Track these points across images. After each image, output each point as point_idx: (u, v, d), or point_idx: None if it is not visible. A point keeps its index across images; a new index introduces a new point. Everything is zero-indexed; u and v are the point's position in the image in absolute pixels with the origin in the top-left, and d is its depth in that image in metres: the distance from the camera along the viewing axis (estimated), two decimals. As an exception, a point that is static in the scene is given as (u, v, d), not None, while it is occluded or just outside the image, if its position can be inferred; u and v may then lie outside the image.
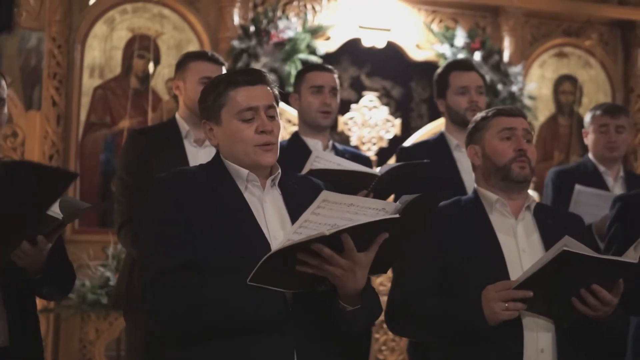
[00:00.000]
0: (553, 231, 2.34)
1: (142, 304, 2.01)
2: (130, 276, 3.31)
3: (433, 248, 2.33)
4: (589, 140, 3.87)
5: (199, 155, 3.28)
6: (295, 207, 2.07)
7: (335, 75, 3.53)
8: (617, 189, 3.73)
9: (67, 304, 4.66)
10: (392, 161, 5.31)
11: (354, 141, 5.67)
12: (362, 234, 1.83)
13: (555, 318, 2.22)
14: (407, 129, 6.05)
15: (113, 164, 5.05)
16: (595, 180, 3.74)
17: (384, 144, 5.78)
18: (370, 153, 5.56)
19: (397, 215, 1.83)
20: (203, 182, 2.08)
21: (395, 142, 5.77)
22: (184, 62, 3.34)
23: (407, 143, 5.51)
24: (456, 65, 3.70)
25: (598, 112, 3.84)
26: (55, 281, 2.38)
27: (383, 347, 5.48)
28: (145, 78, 5.17)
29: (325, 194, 1.85)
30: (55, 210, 2.19)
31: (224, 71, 3.34)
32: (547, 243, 2.30)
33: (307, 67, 3.74)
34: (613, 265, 2.14)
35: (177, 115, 3.35)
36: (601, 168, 3.78)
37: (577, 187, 3.52)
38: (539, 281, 2.11)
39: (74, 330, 4.94)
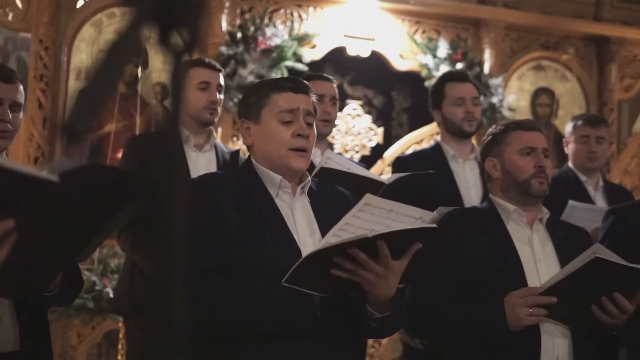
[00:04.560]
0: (565, 243, 2.42)
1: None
2: (131, 281, 3.32)
3: (452, 253, 2.37)
4: (569, 149, 3.93)
5: (198, 159, 3.32)
6: (323, 215, 2.11)
7: (335, 85, 3.58)
8: (599, 198, 3.82)
9: (53, 309, 4.60)
10: (375, 169, 5.40)
11: (337, 149, 5.71)
12: (398, 241, 1.87)
13: (573, 325, 2.29)
14: (388, 138, 6.12)
15: (98, 167, 5.01)
16: (577, 189, 3.82)
17: (367, 152, 5.83)
18: (354, 161, 5.60)
19: (435, 225, 1.88)
20: (234, 186, 2.12)
21: (377, 151, 5.84)
22: None
23: (391, 152, 5.59)
24: (452, 77, 3.75)
25: (579, 123, 3.91)
26: (66, 294, 2.24)
27: (364, 353, 5.50)
28: (133, 82, 5.15)
29: (368, 198, 1.89)
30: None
31: (222, 77, 3.39)
32: (560, 254, 2.39)
33: (307, 77, 3.75)
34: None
35: None
36: (582, 177, 3.86)
37: (571, 202, 3.59)
38: (565, 288, 2.17)
39: (55, 335, 4.87)
